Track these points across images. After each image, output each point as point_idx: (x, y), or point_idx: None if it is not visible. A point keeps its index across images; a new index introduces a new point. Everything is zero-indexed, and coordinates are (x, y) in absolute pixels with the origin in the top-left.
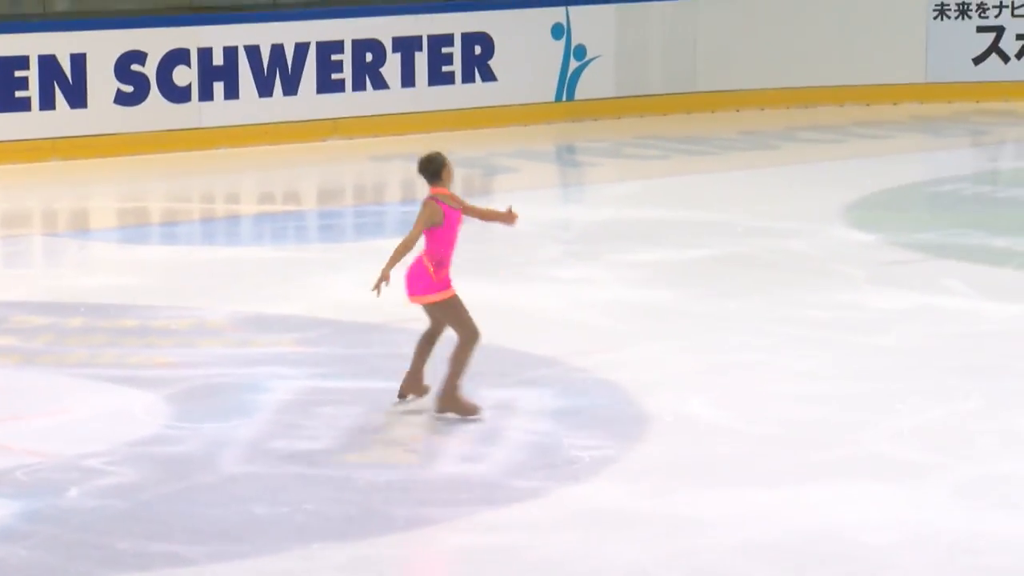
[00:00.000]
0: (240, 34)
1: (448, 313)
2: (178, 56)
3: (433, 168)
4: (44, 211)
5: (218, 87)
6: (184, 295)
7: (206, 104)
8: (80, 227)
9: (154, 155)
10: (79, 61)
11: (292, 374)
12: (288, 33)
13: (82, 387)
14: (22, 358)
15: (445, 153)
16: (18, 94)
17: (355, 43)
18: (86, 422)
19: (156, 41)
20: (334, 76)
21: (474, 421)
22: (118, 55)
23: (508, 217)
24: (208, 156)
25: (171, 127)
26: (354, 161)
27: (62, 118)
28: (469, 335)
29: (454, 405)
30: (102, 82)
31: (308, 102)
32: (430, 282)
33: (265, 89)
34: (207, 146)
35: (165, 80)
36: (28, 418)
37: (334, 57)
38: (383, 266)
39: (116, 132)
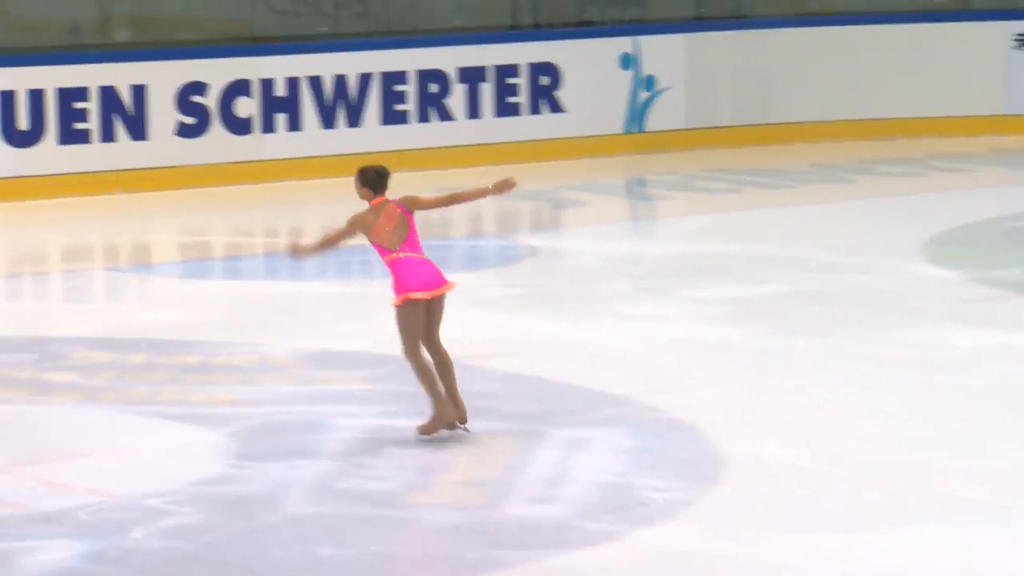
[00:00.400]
0: (302, 65)
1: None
2: (239, 87)
3: (384, 182)
4: (105, 245)
5: (280, 119)
6: (246, 331)
7: (268, 136)
8: (141, 261)
9: (216, 188)
10: (139, 93)
11: (358, 412)
12: (351, 64)
13: (144, 425)
14: (83, 395)
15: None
16: (78, 126)
17: (419, 73)
18: (148, 461)
19: (217, 72)
20: (398, 107)
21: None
22: (179, 86)
23: (498, 187)
24: (270, 189)
25: (232, 159)
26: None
27: (123, 150)
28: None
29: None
30: (163, 114)
31: (371, 134)
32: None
33: (328, 121)
34: (269, 179)
35: (226, 112)
36: (90, 456)
37: (398, 88)
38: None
39: (177, 164)
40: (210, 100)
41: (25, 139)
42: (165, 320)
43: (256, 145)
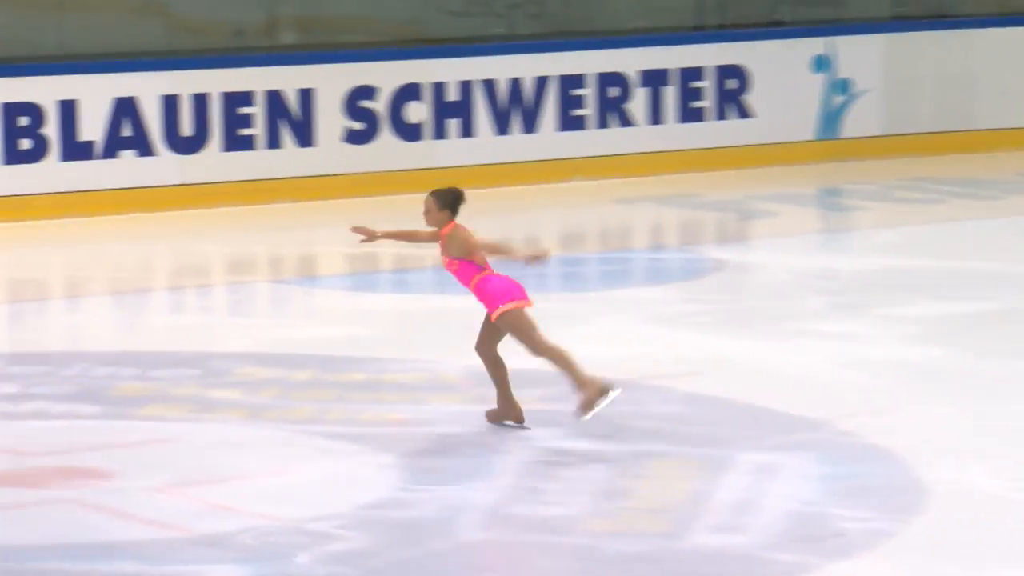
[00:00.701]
0: (476, 68)
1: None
2: (410, 91)
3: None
4: (270, 256)
5: (453, 124)
6: (416, 347)
7: (440, 143)
8: (307, 274)
9: (385, 197)
10: (306, 97)
11: (533, 434)
12: (527, 67)
13: (309, 445)
14: (247, 413)
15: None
16: (242, 132)
17: (598, 77)
18: (314, 483)
19: (387, 75)
20: (576, 112)
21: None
22: (347, 90)
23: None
24: None
25: (403, 167)
26: (598, 204)
27: (289, 157)
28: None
29: (589, 399)
30: (330, 119)
31: (547, 141)
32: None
33: (502, 127)
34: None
35: (396, 117)
36: (254, 477)
37: (575, 92)
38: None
39: (345, 172)
40: (379, 105)
41: (189, 146)
42: (331, 335)
43: (427, 152)
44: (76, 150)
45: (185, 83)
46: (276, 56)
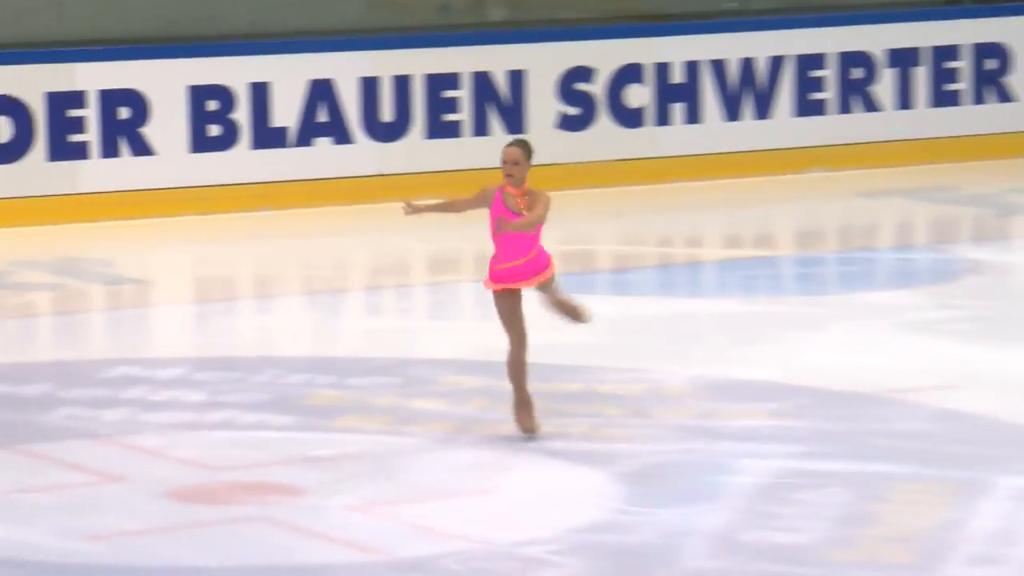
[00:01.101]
0: (704, 47)
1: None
2: (631, 73)
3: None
4: (476, 254)
5: (677, 109)
6: (637, 355)
7: (663, 130)
8: None
9: (602, 189)
10: (516, 79)
11: (766, 452)
12: (761, 45)
13: (519, 461)
14: (451, 426)
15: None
16: (447, 117)
17: (841, 56)
18: (524, 503)
19: (605, 55)
20: (814, 96)
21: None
22: (561, 72)
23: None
24: (665, 191)
25: (622, 156)
26: (839, 198)
27: (497, 145)
28: (511, 341)
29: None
30: (543, 103)
31: (784, 127)
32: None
33: (732, 112)
34: (664, 179)
35: (616, 101)
36: (458, 496)
37: (815, 73)
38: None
39: (557, 162)
40: (597, 88)
41: (388, 132)
42: (543, 341)
43: (649, 140)
44: (268, 137)
45: (386, 64)
46: (484, 34)
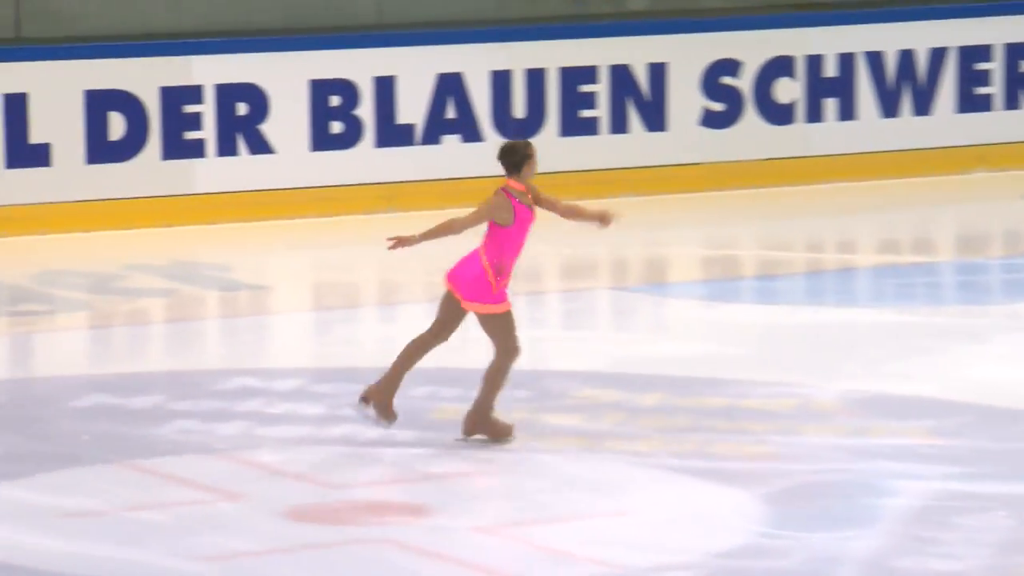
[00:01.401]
0: (859, 38)
1: (497, 327)
2: (780, 66)
3: (514, 159)
4: (612, 259)
5: (830, 105)
6: (784, 368)
7: (815, 127)
8: (656, 280)
9: (748, 190)
10: (658, 73)
11: (923, 473)
12: (920, 36)
13: (657, 480)
14: (586, 442)
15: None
16: (584, 114)
17: (1007, 48)
18: (662, 525)
19: (753, 47)
20: (979, 91)
21: (505, 443)
22: (706, 65)
23: (603, 217)
24: (816, 192)
25: (770, 155)
26: (1005, 200)
27: (636, 143)
28: (511, 351)
29: (486, 427)
30: (685, 99)
31: (945, 124)
32: (490, 291)
33: (889, 108)
34: (815, 179)
35: (764, 96)
36: (592, 517)
37: (979, 66)
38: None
39: (701, 161)
40: (743, 82)
41: (521, 129)
42: (684, 353)
43: (800, 137)
44: (393, 134)
45: (519, 57)
46: (623, 25)
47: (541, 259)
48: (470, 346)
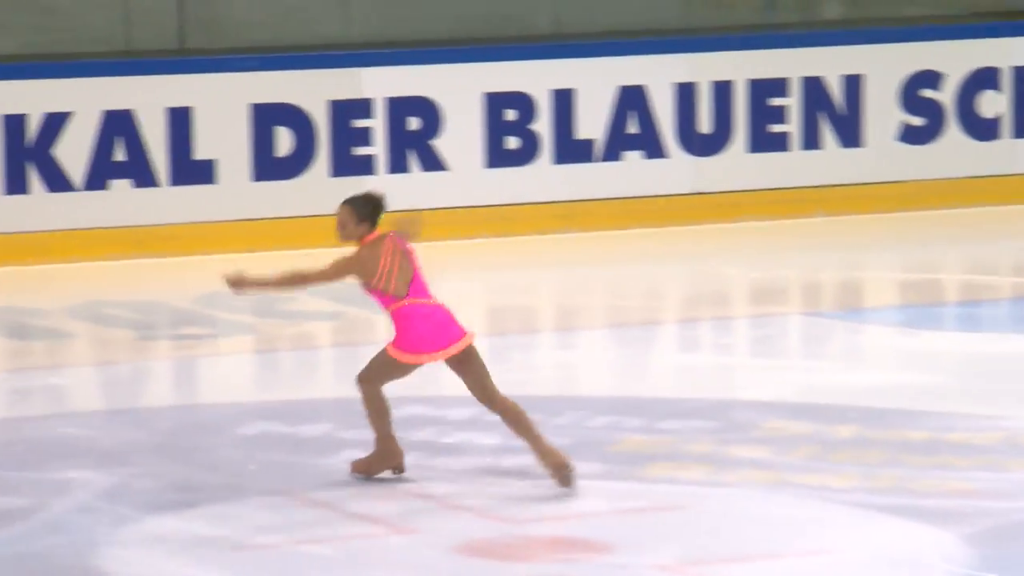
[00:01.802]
0: None
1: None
2: (985, 77)
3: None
4: (804, 283)
5: None
6: (989, 399)
7: (1022, 142)
8: (851, 305)
9: (950, 210)
10: (852, 85)
11: None
12: None
13: (852, 518)
14: (774, 477)
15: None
16: (773, 129)
17: None
18: (859, 566)
19: (956, 58)
20: None
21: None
22: (904, 77)
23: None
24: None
25: (974, 173)
26: None
27: (829, 160)
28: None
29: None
30: (883, 113)
31: None
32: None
33: None
34: (1023, 199)
35: (967, 110)
36: (783, 557)
37: None
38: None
39: (900, 179)
40: (945, 95)
41: (706, 145)
42: (881, 383)
43: (1006, 154)
44: (571, 150)
45: (704, 68)
46: (816, 35)
47: (729, 283)
48: (652, 374)
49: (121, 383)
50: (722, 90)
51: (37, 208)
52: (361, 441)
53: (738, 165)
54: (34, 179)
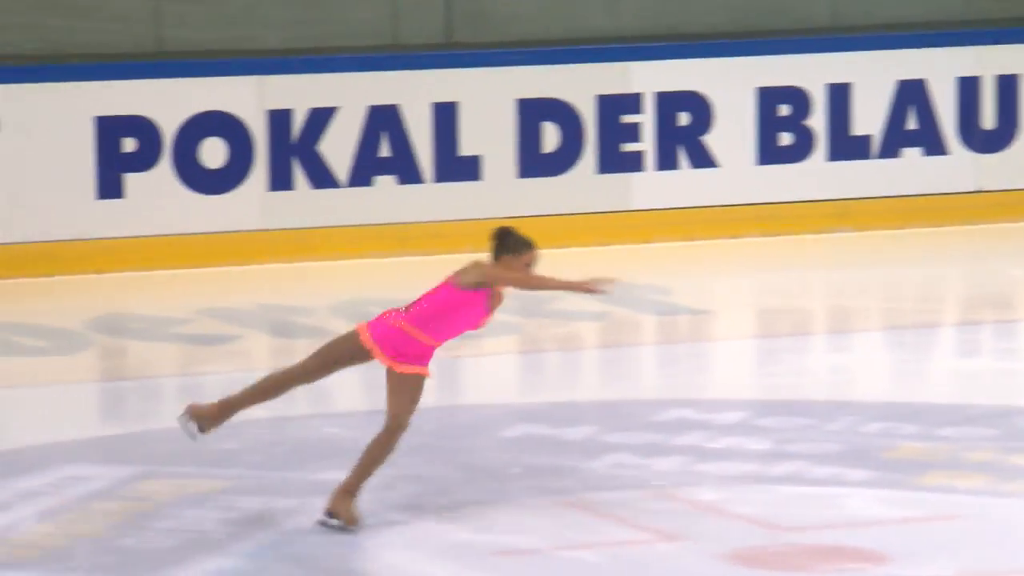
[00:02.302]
0: None
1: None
2: None
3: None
4: None
5: None
6: None
7: None
8: None
9: None
10: None
11: None
12: None
13: None
14: None
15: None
16: None
17: None
18: None
19: None
20: None
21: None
22: None
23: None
24: None
25: None
26: None
27: None
28: (401, 422)
29: (345, 509)
30: None
31: None
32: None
33: None
34: None
35: None
36: None
37: None
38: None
39: None
40: None
41: (989, 142)
42: None
43: None
44: (848, 147)
45: (989, 62)
46: None
47: (1013, 284)
48: (930, 379)
49: (382, 384)
50: (1007, 84)
51: (301, 205)
52: (627, 445)
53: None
54: (298, 175)
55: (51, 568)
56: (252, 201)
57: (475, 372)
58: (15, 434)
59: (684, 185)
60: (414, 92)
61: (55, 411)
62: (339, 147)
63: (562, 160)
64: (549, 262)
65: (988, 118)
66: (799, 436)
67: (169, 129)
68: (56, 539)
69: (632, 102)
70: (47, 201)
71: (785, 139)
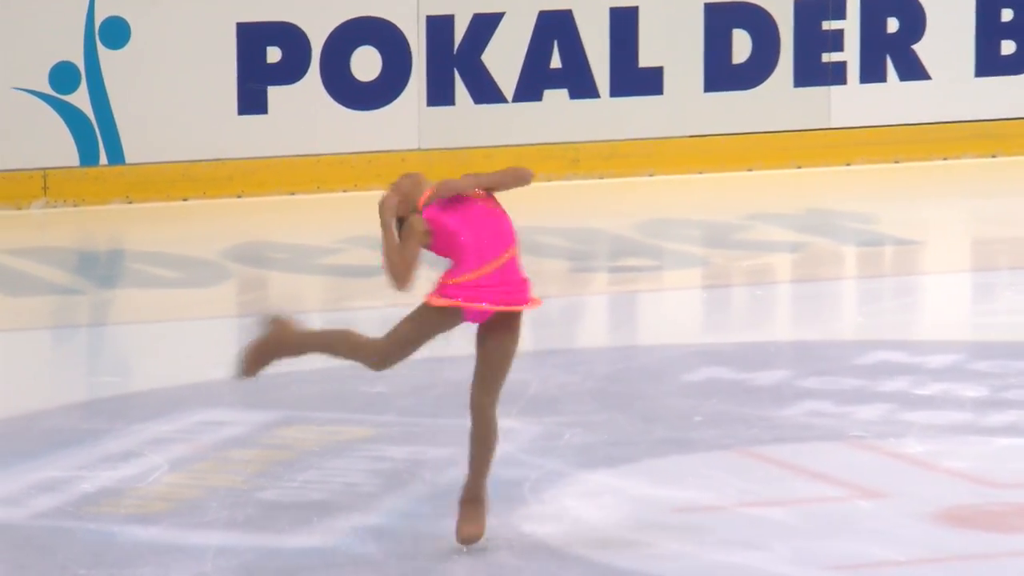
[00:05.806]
0: None
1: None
2: None
3: None
4: None
5: None
6: None
7: None
8: None
9: None
10: None
11: None
12: None
13: None
14: None
15: None
16: None
17: None
18: None
19: None
20: None
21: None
22: None
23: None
24: None
25: None
26: None
27: None
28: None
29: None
30: None
31: None
32: None
33: None
34: None
35: None
36: None
37: None
38: None
39: None
40: None
41: None
42: None
43: None
44: None
45: None
46: None
47: None
48: None
49: (553, 321)
50: None
51: (462, 122)
52: (824, 391)
53: None
54: (460, 89)
55: (183, 523)
56: (408, 118)
57: (655, 309)
58: (145, 375)
59: (891, 100)
60: None
61: (189, 349)
62: (505, 58)
63: (754, 72)
64: (735, 183)
65: None
66: (1019, 382)
67: (318, 38)
68: (189, 491)
69: (834, 6)
70: (182, 118)
71: (1007, 47)
